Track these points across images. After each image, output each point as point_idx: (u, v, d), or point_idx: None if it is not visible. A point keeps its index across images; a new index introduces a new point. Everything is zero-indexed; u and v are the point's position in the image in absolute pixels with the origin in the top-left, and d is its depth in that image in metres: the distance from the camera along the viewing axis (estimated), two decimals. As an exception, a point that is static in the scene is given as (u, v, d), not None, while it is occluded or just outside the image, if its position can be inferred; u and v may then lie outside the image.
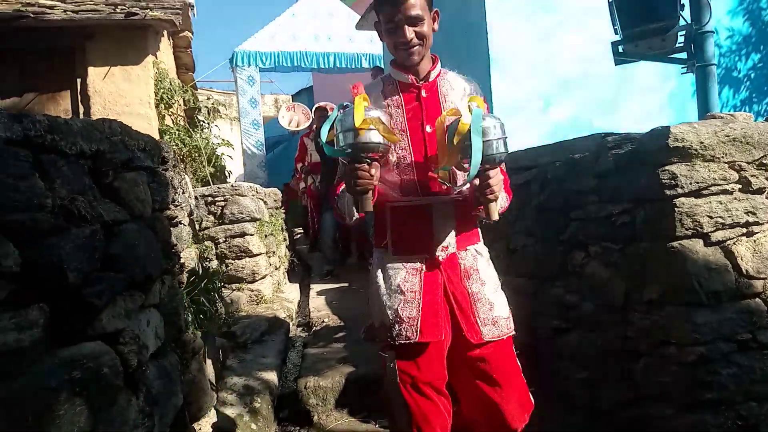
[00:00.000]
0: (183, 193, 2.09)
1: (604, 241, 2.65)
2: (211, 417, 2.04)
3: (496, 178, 1.63)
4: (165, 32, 6.45)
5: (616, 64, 3.24)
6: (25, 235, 1.13)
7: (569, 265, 2.91)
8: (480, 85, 2.02)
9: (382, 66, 8.48)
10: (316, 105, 8.89)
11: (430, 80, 1.81)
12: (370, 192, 1.61)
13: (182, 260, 1.97)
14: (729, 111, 5.89)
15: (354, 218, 1.79)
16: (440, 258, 1.76)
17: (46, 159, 1.23)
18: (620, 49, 3.09)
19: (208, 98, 7.17)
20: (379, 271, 1.81)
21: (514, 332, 1.85)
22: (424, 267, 1.75)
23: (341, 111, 1.63)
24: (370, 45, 9.89)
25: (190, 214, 2.88)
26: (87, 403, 1.14)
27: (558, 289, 3.01)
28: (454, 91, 1.84)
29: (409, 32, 1.68)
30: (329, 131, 1.64)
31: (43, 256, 1.15)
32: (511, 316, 1.87)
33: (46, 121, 1.23)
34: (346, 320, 4.24)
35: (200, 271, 2.45)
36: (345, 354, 3.48)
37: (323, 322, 4.29)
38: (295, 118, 11.06)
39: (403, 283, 1.74)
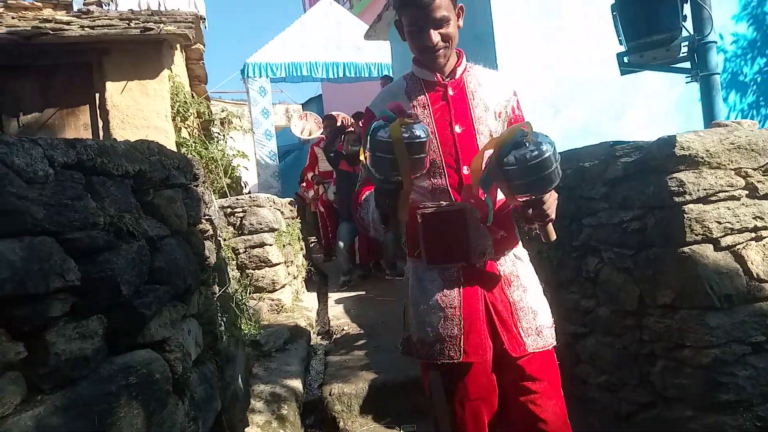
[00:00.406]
0: (212, 207, 2.19)
1: (616, 246, 2.72)
2: (243, 423, 2.13)
3: (551, 198, 1.50)
4: (178, 45, 6.59)
5: (621, 74, 3.32)
6: (82, 251, 1.23)
7: (584, 271, 2.98)
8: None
9: (392, 75, 8.60)
10: (327, 114, 9.02)
11: (456, 77, 1.72)
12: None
13: (215, 272, 2.07)
14: (737, 115, 5.96)
15: (380, 231, 1.67)
16: (478, 265, 1.65)
17: (96, 180, 1.34)
18: (625, 59, 3.17)
19: (223, 110, 7.30)
20: (415, 282, 1.71)
21: (556, 342, 1.75)
22: (461, 277, 1.64)
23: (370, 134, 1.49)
24: (379, 54, 10.01)
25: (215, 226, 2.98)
26: (142, 406, 1.24)
27: (574, 294, 3.08)
28: (482, 86, 1.75)
29: (435, 35, 1.59)
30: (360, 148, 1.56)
31: (98, 271, 1.25)
32: (554, 324, 1.78)
33: (96, 146, 1.33)
34: (365, 328, 4.32)
35: (229, 281, 2.54)
36: (366, 361, 3.56)
37: (343, 330, 4.38)
38: (307, 127, 11.21)
39: (441, 297, 1.64)
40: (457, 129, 1.67)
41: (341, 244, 6.14)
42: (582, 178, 2.98)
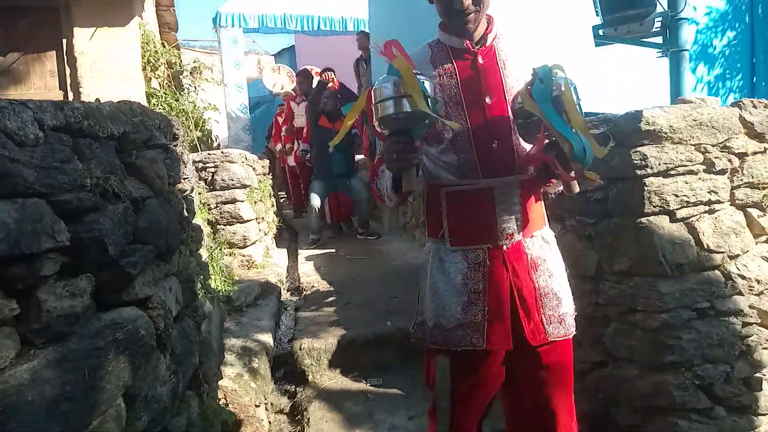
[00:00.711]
0: (189, 166, 2.22)
1: (579, 215, 2.85)
2: (217, 376, 2.22)
3: None
4: (149, -8, 6.41)
5: (595, 46, 3.39)
6: (71, 212, 1.27)
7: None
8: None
9: (368, 31, 8.49)
10: (301, 69, 8.89)
11: (487, 44, 1.57)
12: (414, 168, 1.41)
13: (193, 231, 2.12)
14: (703, 88, 6.11)
15: (393, 200, 1.59)
16: (504, 247, 1.55)
17: (83, 143, 1.37)
18: (600, 32, 3.24)
19: (195, 61, 7.15)
20: (436, 264, 1.60)
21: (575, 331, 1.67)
22: (487, 260, 1.54)
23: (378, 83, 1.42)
24: (355, 8, 9.85)
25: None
26: (129, 360, 1.31)
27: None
28: (514, 55, 1.61)
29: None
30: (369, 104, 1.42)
31: (86, 231, 1.30)
32: (575, 312, 1.70)
33: (83, 108, 1.36)
34: (335, 285, 4.43)
35: (204, 240, 2.59)
36: (336, 318, 3.68)
37: (313, 287, 4.48)
38: (279, 81, 11.05)
39: (464, 281, 1.54)
40: (488, 100, 1.54)
41: (313, 202, 6.14)
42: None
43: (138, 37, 5.87)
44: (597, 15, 3.19)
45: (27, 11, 5.78)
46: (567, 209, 2.93)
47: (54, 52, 5.83)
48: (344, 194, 6.49)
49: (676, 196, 2.48)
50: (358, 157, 6.81)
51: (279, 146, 9.11)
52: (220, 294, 3.12)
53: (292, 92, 8.87)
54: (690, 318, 2.51)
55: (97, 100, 1.55)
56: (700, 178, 2.57)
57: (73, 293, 1.22)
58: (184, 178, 2.10)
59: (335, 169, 6.15)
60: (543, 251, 1.62)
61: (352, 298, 4.02)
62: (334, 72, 6.98)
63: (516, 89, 1.53)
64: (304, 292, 4.46)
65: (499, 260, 1.55)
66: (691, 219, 2.56)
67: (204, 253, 2.55)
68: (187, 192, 2.08)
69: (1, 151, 1.08)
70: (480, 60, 1.56)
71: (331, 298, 4.13)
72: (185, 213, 1.95)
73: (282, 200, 9.60)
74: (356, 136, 6.59)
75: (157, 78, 6.28)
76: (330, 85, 6.31)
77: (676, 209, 2.51)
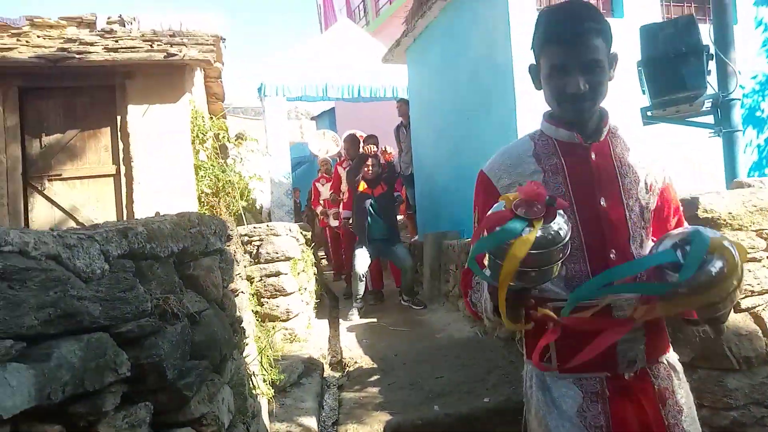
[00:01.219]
0: (240, 264, 2.24)
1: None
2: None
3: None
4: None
5: (644, 125, 3.35)
6: (132, 340, 1.27)
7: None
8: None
9: (408, 99, 8.66)
10: (349, 134, 8.98)
11: (600, 139, 1.40)
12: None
13: (245, 329, 2.11)
14: (753, 151, 5.97)
15: (493, 323, 1.36)
16: (626, 376, 1.34)
17: (144, 264, 1.39)
18: (648, 113, 3.21)
19: (240, 134, 7.36)
20: (539, 392, 1.39)
21: None
22: (606, 390, 1.33)
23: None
24: (395, 76, 10.10)
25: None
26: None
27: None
28: (630, 152, 1.43)
29: (582, 82, 1.29)
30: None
31: (146, 357, 1.30)
32: None
33: (146, 232, 1.38)
34: (378, 361, 4.35)
35: (254, 331, 2.59)
36: (381, 399, 3.59)
37: (356, 363, 4.41)
38: (325, 145, 11.32)
39: (580, 414, 1.32)
40: (603, 203, 1.36)
41: (358, 269, 6.03)
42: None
43: (188, 113, 6.12)
44: (644, 93, 3.16)
45: (85, 90, 6.11)
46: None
47: (108, 128, 6.11)
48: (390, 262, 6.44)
49: (740, 286, 2.37)
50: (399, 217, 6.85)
51: (320, 208, 9.25)
52: (265, 379, 3.08)
53: (336, 157, 9.07)
54: (763, 416, 2.35)
55: (158, 213, 1.58)
56: (764, 266, 2.46)
57: (132, 424, 1.21)
58: (237, 274, 2.11)
59: (376, 235, 6.08)
60: (671, 381, 1.39)
61: (397, 378, 3.93)
62: (377, 140, 7.11)
63: (634, 191, 1.39)
64: (347, 368, 4.39)
65: (621, 391, 1.33)
66: (757, 309, 2.44)
67: (253, 345, 2.54)
68: (240, 290, 2.10)
69: (71, 291, 1.09)
70: (593, 156, 1.39)
71: (375, 377, 4.05)
72: (237, 314, 1.95)
73: (321, 260, 9.64)
74: (398, 198, 6.63)
75: (204, 150, 6.49)
76: (375, 154, 6.36)
77: (740, 299, 2.39)
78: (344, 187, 7.49)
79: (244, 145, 7.62)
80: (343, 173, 7.54)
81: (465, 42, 6.06)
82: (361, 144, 7.19)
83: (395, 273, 6.68)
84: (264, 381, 2.84)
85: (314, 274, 6.46)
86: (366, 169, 6.16)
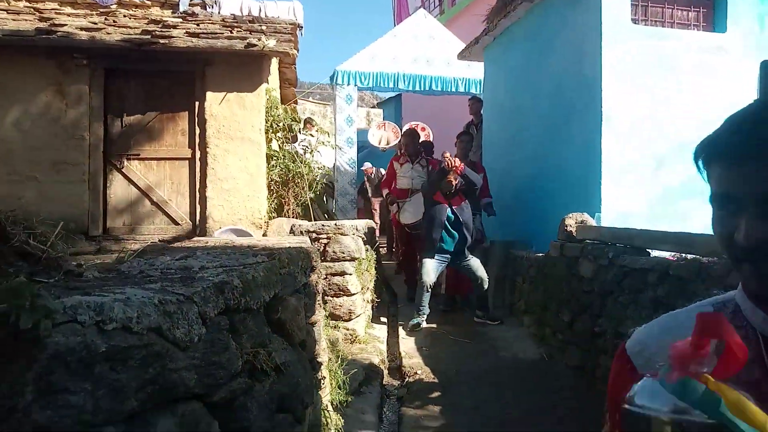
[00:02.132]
0: (320, 294, 2.19)
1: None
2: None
3: None
4: (275, 54, 6.68)
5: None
6: (223, 405, 1.23)
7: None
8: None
9: (480, 97, 8.44)
10: (409, 129, 8.87)
11: None
12: None
13: (321, 363, 2.07)
14: None
15: None
16: None
17: (237, 319, 1.34)
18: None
19: (309, 121, 7.40)
20: None
21: None
22: None
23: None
24: (468, 70, 9.88)
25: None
26: None
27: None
28: None
29: (756, 227, 0.78)
30: None
31: (234, 420, 1.25)
32: None
33: (241, 286, 1.33)
34: (439, 375, 4.27)
35: (326, 355, 2.55)
36: (443, 422, 3.52)
37: (416, 373, 4.35)
38: (385, 136, 11.24)
39: None
40: None
41: (425, 278, 5.59)
42: (697, 274, 2.81)
43: (263, 102, 6.14)
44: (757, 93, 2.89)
45: (166, 74, 6.21)
46: None
47: (186, 112, 6.20)
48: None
49: None
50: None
51: (390, 197, 8.94)
52: (332, 400, 3.04)
53: (397, 149, 8.91)
54: None
55: (254, 274, 1.52)
56: None
57: (218, 495, 1.17)
58: (318, 303, 2.06)
59: (449, 248, 5.66)
60: None
61: (459, 397, 3.85)
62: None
63: None
64: (407, 379, 4.34)
65: None
66: None
67: (325, 370, 2.49)
68: (318, 321, 2.05)
69: (169, 365, 1.05)
70: None
71: (435, 393, 3.97)
72: (318, 351, 1.91)
73: (381, 247, 9.48)
74: (488, 205, 6.32)
75: (277, 140, 6.52)
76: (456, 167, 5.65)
77: None
78: (400, 183, 7.19)
79: (313, 133, 7.63)
80: (398, 168, 7.27)
81: (550, 48, 5.80)
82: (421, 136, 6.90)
83: (460, 282, 6.28)
84: (331, 403, 2.81)
85: (375, 271, 6.41)
86: (448, 181, 5.59)
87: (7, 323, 0.81)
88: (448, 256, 5.71)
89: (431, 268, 5.65)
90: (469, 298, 6.16)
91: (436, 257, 5.68)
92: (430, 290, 5.64)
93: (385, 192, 7.66)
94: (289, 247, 1.86)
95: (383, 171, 9.44)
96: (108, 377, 0.92)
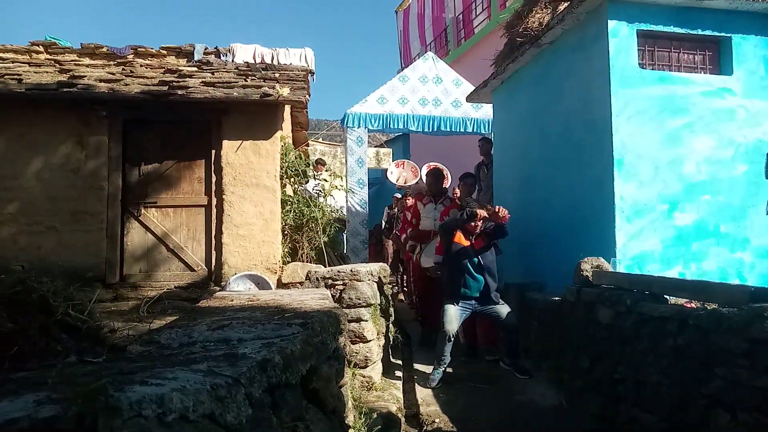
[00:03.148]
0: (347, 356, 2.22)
1: (756, 412, 2.55)
2: None
3: None
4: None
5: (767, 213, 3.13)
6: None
7: (711, 423, 2.81)
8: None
9: (490, 137, 8.56)
10: (433, 167, 8.83)
11: None
12: None
13: (349, 425, 2.10)
14: None
15: None
16: None
17: (278, 394, 1.38)
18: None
19: (320, 161, 7.52)
20: None
21: None
22: None
23: None
24: (476, 111, 10.05)
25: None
26: None
27: (696, 443, 2.90)
28: None
29: None
30: None
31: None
32: None
33: (282, 363, 1.38)
34: (457, 423, 4.24)
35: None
36: (463, 473, 3.49)
37: (434, 421, 4.32)
38: (403, 175, 11.39)
39: None
40: None
41: (447, 327, 5.19)
42: (718, 324, 2.82)
43: (278, 149, 6.27)
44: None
45: (183, 124, 6.37)
46: (741, 401, 2.64)
47: (203, 160, 6.34)
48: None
49: None
50: None
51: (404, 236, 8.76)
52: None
53: (419, 192, 8.96)
54: None
55: (292, 349, 1.56)
56: None
57: None
58: (345, 366, 2.10)
59: (474, 293, 5.29)
60: None
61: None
62: (474, 180, 6.98)
63: None
64: (425, 427, 4.31)
65: None
66: None
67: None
68: (347, 384, 2.08)
69: (221, 453, 1.09)
70: None
71: (454, 442, 3.95)
72: (347, 415, 1.94)
73: (394, 289, 9.45)
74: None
75: (291, 185, 6.63)
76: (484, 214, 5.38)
77: None
78: (423, 224, 6.89)
79: (326, 178, 7.73)
80: (421, 209, 6.96)
81: (558, 92, 5.92)
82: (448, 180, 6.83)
83: (482, 330, 5.95)
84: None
85: (390, 315, 6.41)
86: (473, 224, 5.33)
87: (83, 425, 0.86)
88: (473, 302, 5.31)
89: (454, 316, 5.24)
90: (490, 348, 5.85)
91: (459, 304, 5.28)
92: (452, 340, 5.22)
93: (409, 231, 7.15)
94: (319, 311, 1.91)
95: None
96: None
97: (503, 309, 5.30)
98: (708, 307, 3.04)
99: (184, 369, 1.25)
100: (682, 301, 3.60)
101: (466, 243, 5.38)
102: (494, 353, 5.73)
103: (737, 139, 5.28)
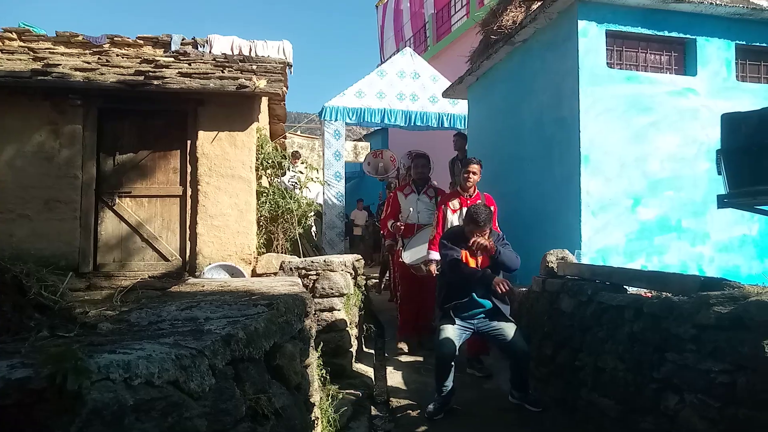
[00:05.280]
0: (313, 337, 2.32)
1: (701, 393, 2.70)
2: None
3: None
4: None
5: (718, 208, 3.30)
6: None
7: (662, 405, 2.96)
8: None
9: (464, 133, 8.70)
10: (421, 152, 7.90)
11: None
12: None
13: (314, 403, 2.19)
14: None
15: None
16: None
17: (241, 368, 1.47)
18: (725, 201, 3.15)
19: (296, 155, 7.59)
20: None
21: None
22: None
23: None
24: (452, 107, 10.18)
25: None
26: None
27: (648, 425, 3.06)
28: None
29: None
30: None
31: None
32: None
33: (245, 338, 1.47)
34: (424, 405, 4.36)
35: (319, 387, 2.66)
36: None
37: (403, 407, 4.44)
38: (381, 165, 11.39)
39: None
40: None
41: (444, 349, 4.23)
42: (669, 311, 2.97)
43: (254, 141, 6.31)
44: (723, 182, 3.11)
45: (159, 114, 6.37)
46: (688, 383, 2.79)
47: (178, 151, 6.35)
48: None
49: (819, 395, 2.31)
50: None
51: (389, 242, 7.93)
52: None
53: (395, 180, 9.02)
54: None
55: (256, 326, 1.65)
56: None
57: None
58: (311, 347, 2.19)
59: (474, 311, 4.42)
60: None
61: (445, 432, 3.95)
62: (427, 160, 6.38)
63: None
64: (395, 414, 4.42)
65: None
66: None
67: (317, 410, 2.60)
68: (312, 364, 2.17)
69: (184, 414, 1.18)
70: None
71: (422, 428, 4.07)
72: (312, 393, 2.03)
73: (370, 279, 9.49)
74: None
75: (267, 177, 6.67)
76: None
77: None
78: (406, 216, 6.00)
79: (302, 170, 7.79)
80: (403, 200, 6.14)
81: (530, 89, 6.06)
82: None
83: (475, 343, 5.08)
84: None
85: (362, 307, 6.51)
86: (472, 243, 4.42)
87: (54, 383, 0.95)
88: (474, 321, 4.41)
89: (452, 337, 4.28)
90: (472, 360, 5.25)
91: (457, 324, 4.37)
92: (452, 365, 4.25)
93: (390, 223, 6.24)
94: (286, 294, 1.99)
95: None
96: (135, 427, 1.05)
97: (509, 328, 4.30)
98: (663, 296, 3.19)
99: (152, 342, 1.33)
100: (642, 291, 3.76)
101: (473, 262, 4.53)
102: (476, 367, 5.20)
103: (700, 137, 5.47)
